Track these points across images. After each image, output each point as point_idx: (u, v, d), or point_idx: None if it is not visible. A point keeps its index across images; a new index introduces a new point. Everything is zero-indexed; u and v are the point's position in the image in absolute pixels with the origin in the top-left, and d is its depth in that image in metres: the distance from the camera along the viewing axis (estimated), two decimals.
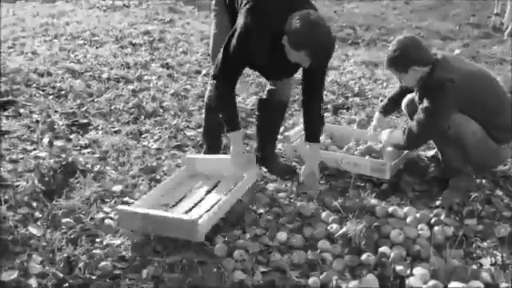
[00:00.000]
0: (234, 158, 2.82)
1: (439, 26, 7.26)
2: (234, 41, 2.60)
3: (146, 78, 4.92)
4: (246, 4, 2.64)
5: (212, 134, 3.25)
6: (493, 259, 2.37)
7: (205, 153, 3.26)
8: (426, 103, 2.83)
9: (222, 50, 2.66)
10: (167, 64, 5.42)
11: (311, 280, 2.23)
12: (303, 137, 3.03)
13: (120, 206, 2.58)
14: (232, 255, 2.39)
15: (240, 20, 2.61)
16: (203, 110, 3.32)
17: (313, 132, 2.95)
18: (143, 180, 3.07)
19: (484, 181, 3.00)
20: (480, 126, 2.83)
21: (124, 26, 6.74)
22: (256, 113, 3.24)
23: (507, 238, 2.50)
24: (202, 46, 6.11)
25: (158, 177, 3.14)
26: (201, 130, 3.56)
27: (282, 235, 2.53)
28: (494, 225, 2.61)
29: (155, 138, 3.69)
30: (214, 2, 3.01)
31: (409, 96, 3.22)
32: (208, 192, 2.86)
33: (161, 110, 4.16)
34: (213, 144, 3.26)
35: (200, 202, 2.76)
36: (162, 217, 2.49)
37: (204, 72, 5.14)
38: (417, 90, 2.98)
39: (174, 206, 2.73)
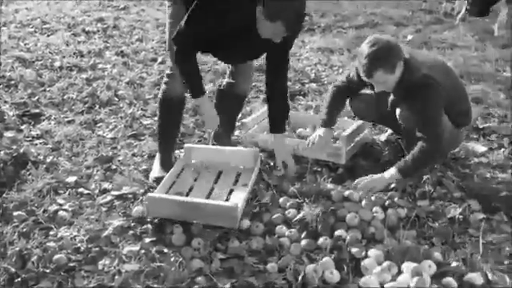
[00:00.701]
0: (210, 120, 2.81)
1: (393, 12, 7.35)
2: (196, 10, 2.54)
3: (100, 66, 4.83)
4: None
5: (166, 136, 3.06)
6: (444, 239, 2.45)
7: (160, 160, 3.02)
8: (418, 106, 2.76)
9: (185, 17, 2.59)
10: (122, 52, 5.33)
11: (269, 265, 2.25)
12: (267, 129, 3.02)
13: (150, 194, 2.57)
14: (190, 244, 2.38)
15: None
16: (157, 110, 3.15)
17: (278, 123, 2.94)
18: (98, 170, 3.02)
19: (435, 164, 3.08)
20: (444, 113, 2.86)
21: (77, 13, 6.58)
22: (214, 101, 3.22)
23: (457, 217, 2.58)
24: (157, 33, 6.02)
25: (114, 166, 3.09)
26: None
27: (246, 222, 2.54)
28: (445, 205, 2.68)
29: (110, 127, 3.63)
30: None
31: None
32: (215, 182, 2.88)
33: (116, 99, 4.09)
34: (167, 148, 3.05)
35: (211, 191, 2.78)
36: (199, 203, 2.52)
37: (160, 60, 5.07)
38: (394, 92, 2.88)
39: (187, 194, 2.74)
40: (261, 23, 2.47)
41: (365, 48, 2.67)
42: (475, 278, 2.15)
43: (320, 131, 3.10)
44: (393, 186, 2.83)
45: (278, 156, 2.97)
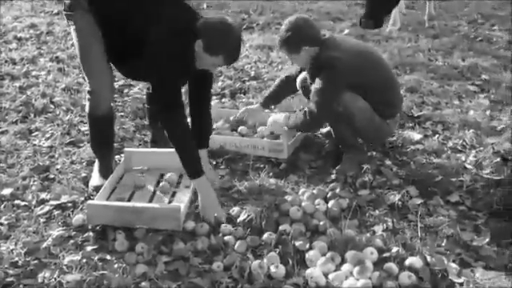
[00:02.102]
0: (209, 208, 2.56)
1: (330, 7, 7.48)
2: (158, 60, 2.48)
3: (33, 73, 4.67)
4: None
5: (100, 147, 2.96)
6: (384, 225, 2.51)
7: (98, 167, 2.93)
8: (317, 83, 2.89)
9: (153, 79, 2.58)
10: (57, 58, 5.18)
11: (215, 265, 2.24)
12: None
13: (90, 201, 2.51)
14: (133, 249, 2.34)
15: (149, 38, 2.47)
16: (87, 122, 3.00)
17: (206, 138, 2.91)
18: (35, 180, 2.92)
19: (374, 153, 3.17)
20: (367, 103, 2.93)
21: (8, 20, 6.33)
22: (146, 106, 3.15)
23: (396, 204, 2.66)
24: None
25: (52, 176, 2.99)
26: None
27: (190, 224, 2.52)
28: (385, 193, 2.76)
29: (47, 135, 3.51)
30: (67, 8, 2.68)
31: (301, 76, 3.29)
32: (156, 185, 2.84)
33: (52, 106, 3.97)
34: (103, 157, 2.95)
35: (153, 195, 2.75)
36: (141, 208, 2.48)
37: None
38: (308, 70, 3.05)
39: (128, 200, 2.69)
40: (200, 56, 2.48)
41: (282, 27, 2.93)
42: (415, 261, 2.21)
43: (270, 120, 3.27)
44: (333, 177, 2.89)
45: (204, 209, 2.61)
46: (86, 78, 2.78)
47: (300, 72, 3.29)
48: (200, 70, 2.63)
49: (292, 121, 3.09)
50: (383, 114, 3.00)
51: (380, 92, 2.98)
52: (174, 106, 2.52)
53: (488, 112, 3.85)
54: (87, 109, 2.83)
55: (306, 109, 2.98)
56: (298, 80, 3.32)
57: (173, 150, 3.00)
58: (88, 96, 2.79)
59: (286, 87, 3.41)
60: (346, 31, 6.13)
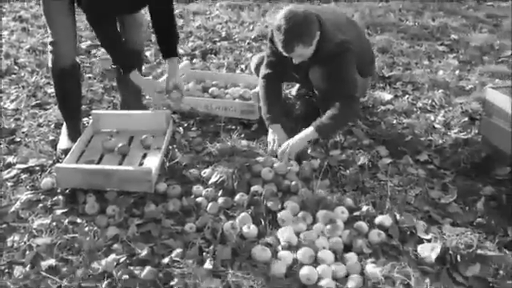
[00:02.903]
0: (148, 87, 2.89)
1: None
2: None
3: None
4: None
5: (66, 104, 2.88)
6: (355, 185, 2.54)
7: (66, 130, 2.88)
8: (337, 68, 2.71)
9: None
10: (20, 17, 5.00)
11: (187, 226, 2.24)
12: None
13: (59, 165, 2.45)
14: (104, 212, 2.33)
15: None
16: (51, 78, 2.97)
17: (168, 47, 2.92)
18: (1, 144, 2.85)
19: None
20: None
21: None
22: (112, 66, 3.08)
23: (367, 164, 2.68)
24: None
25: (18, 139, 2.93)
26: None
27: (162, 185, 2.50)
28: (355, 153, 2.78)
29: (12, 97, 3.43)
30: None
31: (255, 59, 3.23)
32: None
33: (16, 68, 3.85)
34: (71, 117, 2.90)
35: (124, 157, 2.70)
36: (112, 170, 2.44)
37: None
38: (311, 59, 2.74)
39: (98, 162, 2.65)
40: None
41: (282, 23, 2.53)
42: (384, 219, 2.25)
43: (272, 133, 2.80)
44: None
45: (169, 79, 2.95)
46: (48, 29, 2.72)
47: (274, 69, 2.96)
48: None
49: (331, 124, 2.69)
50: (362, 73, 2.96)
51: (359, 52, 2.94)
52: (100, 16, 2.62)
53: (457, 72, 3.89)
54: (50, 63, 2.77)
55: (338, 102, 2.68)
56: (253, 63, 3.25)
57: (142, 111, 2.97)
58: (50, 48, 2.73)
59: (276, 95, 3.00)
60: None
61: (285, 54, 2.62)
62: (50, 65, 2.78)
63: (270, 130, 2.82)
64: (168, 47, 2.92)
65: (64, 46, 2.70)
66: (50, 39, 2.72)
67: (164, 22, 2.86)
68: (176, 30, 2.95)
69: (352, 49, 2.73)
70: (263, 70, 2.98)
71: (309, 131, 2.68)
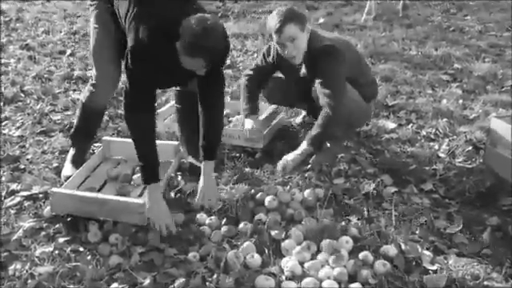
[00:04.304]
0: (156, 214, 2.39)
1: None
2: (133, 60, 2.29)
3: (3, 61, 4.57)
4: (131, 11, 2.37)
5: (83, 137, 2.93)
6: (359, 214, 2.53)
7: (72, 157, 2.88)
8: (324, 71, 2.81)
9: (125, 74, 2.37)
10: (27, 45, 5.07)
11: (190, 255, 2.22)
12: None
13: (54, 189, 2.43)
14: (107, 240, 2.31)
15: (131, 35, 2.31)
16: (77, 110, 2.97)
17: (212, 149, 2.60)
18: (4, 171, 2.85)
19: (349, 143, 3.17)
20: (353, 88, 2.94)
21: None
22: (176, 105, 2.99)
23: (371, 192, 2.67)
24: (65, 24, 5.78)
25: (23, 166, 2.93)
26: (68, 112, 3.40)
27: None
28: (360, 182, 2.77)
29: (17, 124, 3.44)
30: None
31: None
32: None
33: (22, 95, 3.88)
34: (82, 147, 2.93)
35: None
36: (105, 199, 2.40)
37: (69, 52, 4.86)
38: (305, 63, 2.93)
39: (99, 190, 2.64)
40: (182, 58, 2.25)
41: (274, 13, 2.80)
42: (389, 249, 2.23)
43: (249, 122, 3.09)
44: (309, 166, 2.89)
45: (203, 182, 2.57)
46: (93, 70, 2.72)
47: (258, 70, 3.17)
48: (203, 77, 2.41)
49: (319, 133, 2.82)
50: (364, 96, 3.03)
51: (360, 74, 3.02)
52: (136, 107, 2.36)
53: (460, 101, 3.90)
54: (84, 99, 2.80)
55: (324, 109, 2.82)
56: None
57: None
58: (91, 88, 2.74)
59: (255, 93, 3.20)
60: (321, 20, 6.14)
61: (277, 38, 2.78)
62: (82, 99, 2.82)
63: (248, 120, 3.10)
64: (211, 148, 2.59)
65: (104, 93, 2.74)
66: (92, 80, 2.73)
67: (214, 102, 2.59)
68: (222, 128, 2.75)
69: (337, 51, 2.83)
70: (248, 71, 3.24)
71: (303, 146, 2.86)
